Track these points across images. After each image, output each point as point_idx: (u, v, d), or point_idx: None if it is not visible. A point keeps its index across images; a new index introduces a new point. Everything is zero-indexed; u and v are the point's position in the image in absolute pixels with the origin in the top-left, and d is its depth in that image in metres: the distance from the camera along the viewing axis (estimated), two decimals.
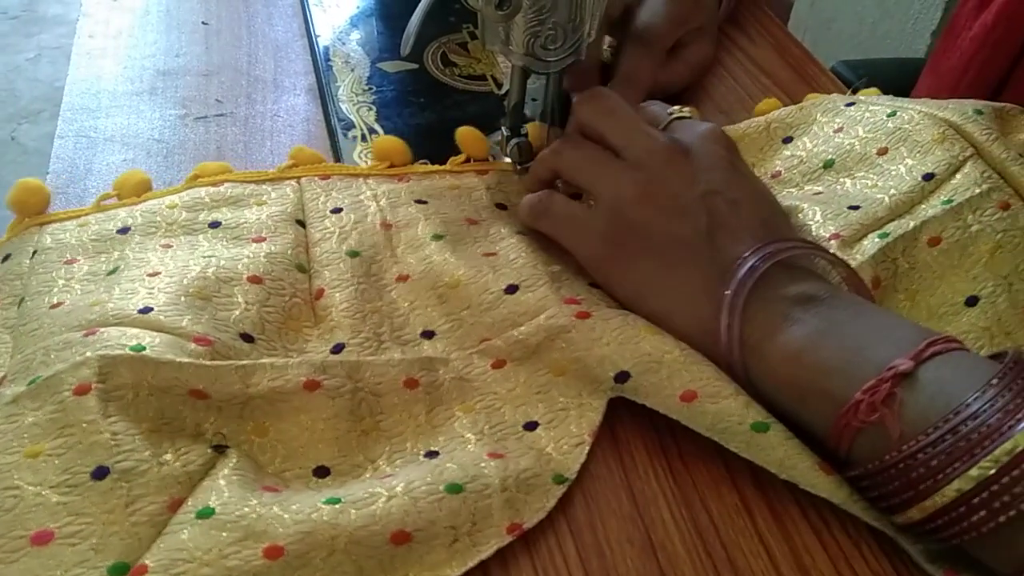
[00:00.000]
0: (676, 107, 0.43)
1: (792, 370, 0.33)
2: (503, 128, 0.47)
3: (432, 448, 0.34)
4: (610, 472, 0.35)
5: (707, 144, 0.39)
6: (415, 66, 0.56)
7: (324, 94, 0.54)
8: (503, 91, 0.55)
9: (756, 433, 0.33)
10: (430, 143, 0.49)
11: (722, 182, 0.38)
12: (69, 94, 0.53)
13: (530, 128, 0.47)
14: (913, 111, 0.46)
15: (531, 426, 0.35)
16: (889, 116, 0.46)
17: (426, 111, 0.53)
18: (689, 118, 0.42)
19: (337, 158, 0.49)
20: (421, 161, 0.48)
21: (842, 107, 0.49)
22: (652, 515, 0.34)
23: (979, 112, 0.44)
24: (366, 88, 0.54)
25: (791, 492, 0.34)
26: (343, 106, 0.52)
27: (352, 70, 0.56)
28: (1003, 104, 0.46)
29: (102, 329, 0.34)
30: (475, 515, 0.31)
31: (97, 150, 0.49)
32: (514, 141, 0.47)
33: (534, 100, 0.48)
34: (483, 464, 0.32)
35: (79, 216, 0.43)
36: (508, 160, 0.48)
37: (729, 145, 0.40)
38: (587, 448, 0.35)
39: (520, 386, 0.37)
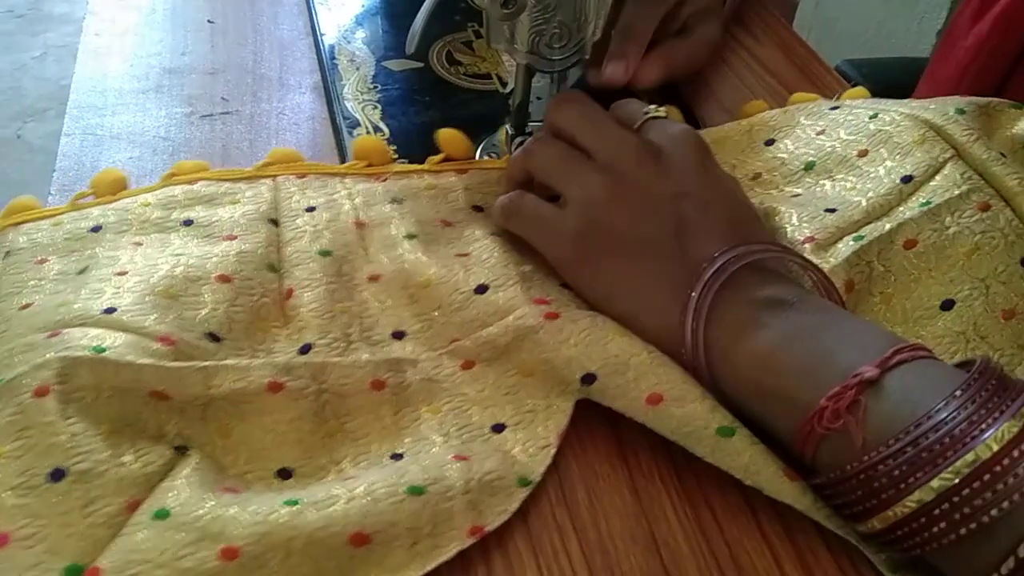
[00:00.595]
0: (652, 106, 0.43)
1: (758, 375, 0.33)
2: (507, 127, 0.48)
3: (398, 450, 0.34)
4: (614, 470, 0.35)
5: (679, 146, 0.39)
6: (420, 65, 0.56)
7: (329, 92, 0.54)
8: (508, 90, 0.55)
9: (721, 438, 0.33)
10: (434, 142, 0.49)
11: (693, 184, 0.38)
12: (76, 92, 0.53)
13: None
14: (895, 112, 0.46)
15: (498, 428, 0.35)
16: (871, 118, 0.46)
17: (431, 109, 0.53)
18: (664, 118, 0.42)
19: (342, 156, 0.50)
20: (399, 160, 0.48)
21: (826, 110, 0.49)
22: (656, 513, 0.34)
23: (961, 111, 0.44)
24: (371, 86, 0.54)
25: None
26: (348, 104, 0.53)
27: (357, 68, 0.56)
28: (989, 100, 0.46)
29: (65, 330, 0.33)
30: (436, 517, 0.31)
31: (104, 148, 0.49)
32: (518, 140, 0.47)
33: (539, 99, 0.48)
34: (446, 466, 0.32)
35: (54, 215, 0.42)
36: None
37: (701, 147, 0.40)
38: (553, 451, 0.34)
39: (489, 387, 0.36)
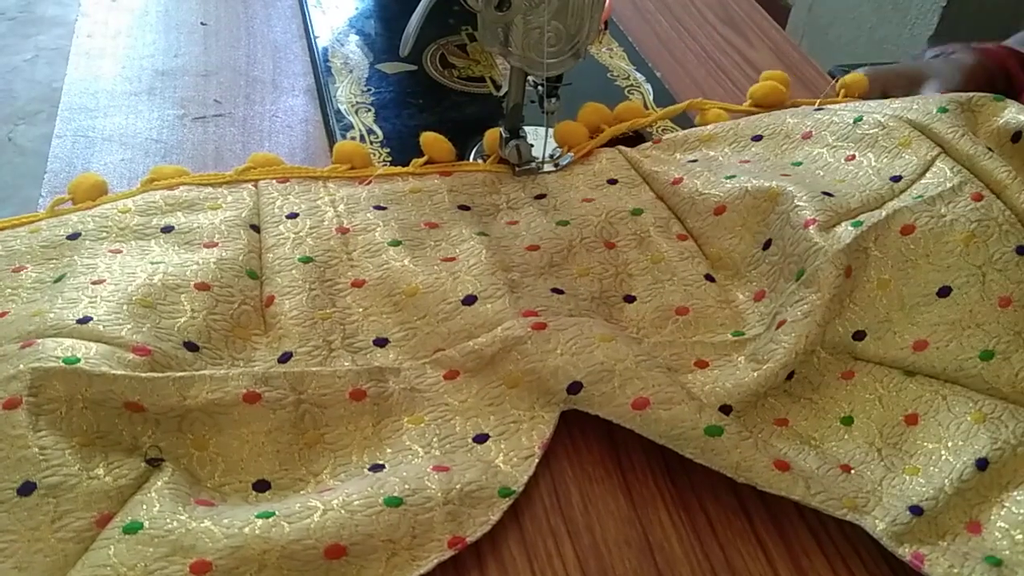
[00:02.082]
0: None
1: None
2: (502, 129, 0.47)
3: (378, 461, 0.34)
4: (608, 474, 0.35)
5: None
6: (414, 67, 0.56)
7: (323, 95, 0.54)
8: (501, 93, 0.55)
9: (710, 438, 0.33)
10: None
11: None
12: (67, 94, 0.53)
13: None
14: (878, 115, 0.46)
15: (481, 438, 0.35)
16: (855, 122, 0.46)
17: (424, 112, 0.53)
18: None
19: None
20: (382, 163, 0.48)
21: (811, 111, 0.49)
22: (650, 516, 0.34)
23: (943, 109, 0.45)
24: (365, 89, 0.54)
25: None
26: (342, 107, 0.52)
27: (351, 71, 0.56)
28: (971, 95, 0.47)
29: (39, 340, 0.33)
30: (415, 528, 0.31)
31: (95, 149, 0.49)
32: (513, 142, 0.47)
33: (532, 102, 0.48)
34: (426, 477, 0.32)
35: (32, 222, 0.42)
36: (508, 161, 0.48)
37: None
38: (536, 460, 0.34)
39: (472, 397, 0.36)
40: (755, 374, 0.36)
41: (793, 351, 0.36)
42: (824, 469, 0.34)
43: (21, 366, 0.31)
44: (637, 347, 0.36)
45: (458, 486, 0.32)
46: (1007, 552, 0.31)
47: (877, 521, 0.32)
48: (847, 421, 0.36)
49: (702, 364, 0.38)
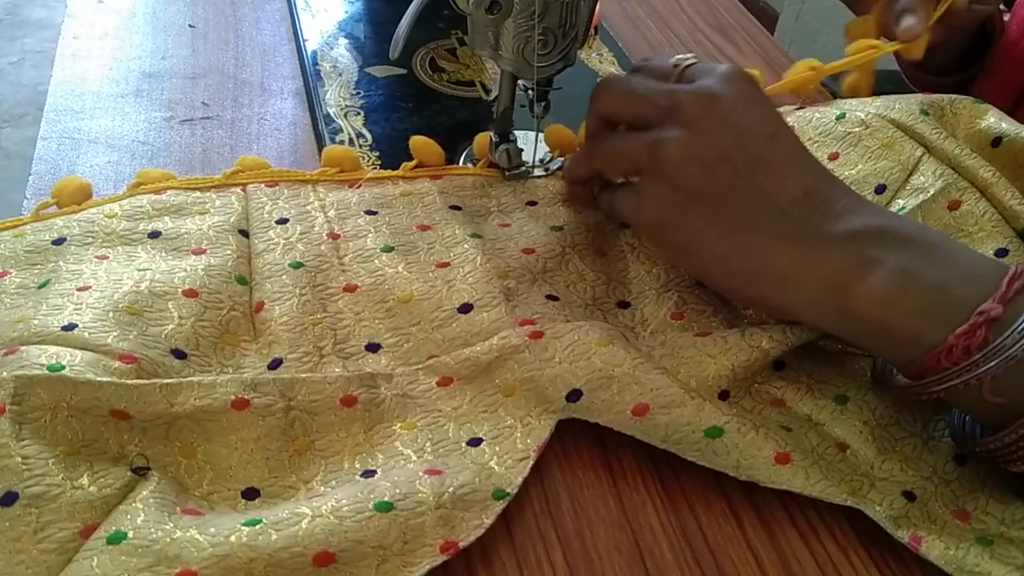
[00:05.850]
0: (679, 56, 0.41)
1: (880, 312, 0.33)
2: (492, 134, 0.47)
3: (370, 467, 0.34)
4: (598, 478, 0.35)
5: (732, 84, 0.37)
6: (403, 71, 0.56)
7: (311, 98, 0.54)
8: (492, 97, 0.55)
9: (711, 439, 0.33)
10: None
11: (756, 120, 0.37)
12: (53, 95, 0.53)
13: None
14: (861, 113, 0.46)
15: (475, 442, 0.35)
16: (837, 119, 0.47)
17: (414, 116, 0.52)
18: (697, 62, 0.40)
19: None
20: (371, 166, 0.48)
21: (792, 109, 0.50)
22: (640, 522, 0.34)
23: (925, 112, 0.45)
24: (354, 93, 0.54)
25: (779, 498, 0.34)
26: (330, 110, 0.52)
27: (340, 75, 0.55)
28: (952, 97, 0.47)
29: (23, 348, 0.32)
30: (406, 534, 0.30)
31: (81, 152, 0.48)
32: (503, 147, 0.47)
33: (522, 107, 0.48)
34: (417, 481, 0.31)
35: (16, 226, 0.41)
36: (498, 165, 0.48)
37: (752, 80, 0.38)
38: (531, 463, 0.34)
39: (466, 404, 0.36)
40: (751, 342, 0.36)
41: (788, 338, 0.36)
42: (823, 447, 0.35)
43: (4, 374, 0.31)
44: (635, 350, 0.36)
45: (451, 489, 0.32)
46: (994, 535, 0.32)
47: (876, 506, 0.33)
48: (841, 400, 0.37)
49: (703, 334, 0.38)
